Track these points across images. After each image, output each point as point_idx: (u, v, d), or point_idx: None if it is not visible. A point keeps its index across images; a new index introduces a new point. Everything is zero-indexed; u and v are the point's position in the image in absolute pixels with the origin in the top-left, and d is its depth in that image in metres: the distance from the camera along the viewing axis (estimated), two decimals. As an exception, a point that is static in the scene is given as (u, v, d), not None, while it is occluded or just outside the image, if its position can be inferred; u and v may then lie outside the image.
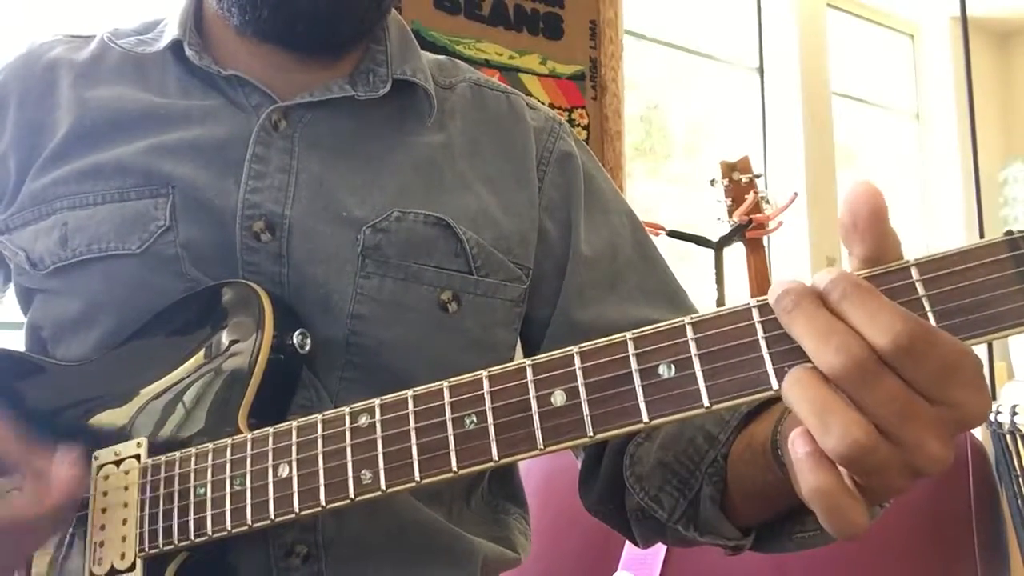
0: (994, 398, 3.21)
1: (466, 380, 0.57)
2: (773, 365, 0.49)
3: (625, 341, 0.52)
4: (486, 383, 0.56)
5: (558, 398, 0.54)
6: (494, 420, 0.55)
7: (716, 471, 0.72)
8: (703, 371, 0.50)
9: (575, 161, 0.89)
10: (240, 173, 0.77)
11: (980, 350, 0.47)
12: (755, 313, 0.50)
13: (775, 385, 0.49)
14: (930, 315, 0.46)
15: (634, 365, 0.52)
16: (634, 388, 0.52)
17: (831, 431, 0.45)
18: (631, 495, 0.78)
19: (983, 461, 0.96)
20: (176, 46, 0.83)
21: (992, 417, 2.18)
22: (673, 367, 0.51)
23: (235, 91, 0.81)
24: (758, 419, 0.69)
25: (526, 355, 0.85)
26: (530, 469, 1.19)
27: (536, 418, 0.54)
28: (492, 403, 0.55)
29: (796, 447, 0.47)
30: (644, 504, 0.76)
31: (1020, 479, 2.15)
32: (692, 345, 0.51)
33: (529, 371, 0.55)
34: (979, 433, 2.96)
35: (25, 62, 0.86)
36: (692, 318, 0.51)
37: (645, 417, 0.51)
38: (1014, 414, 2.12)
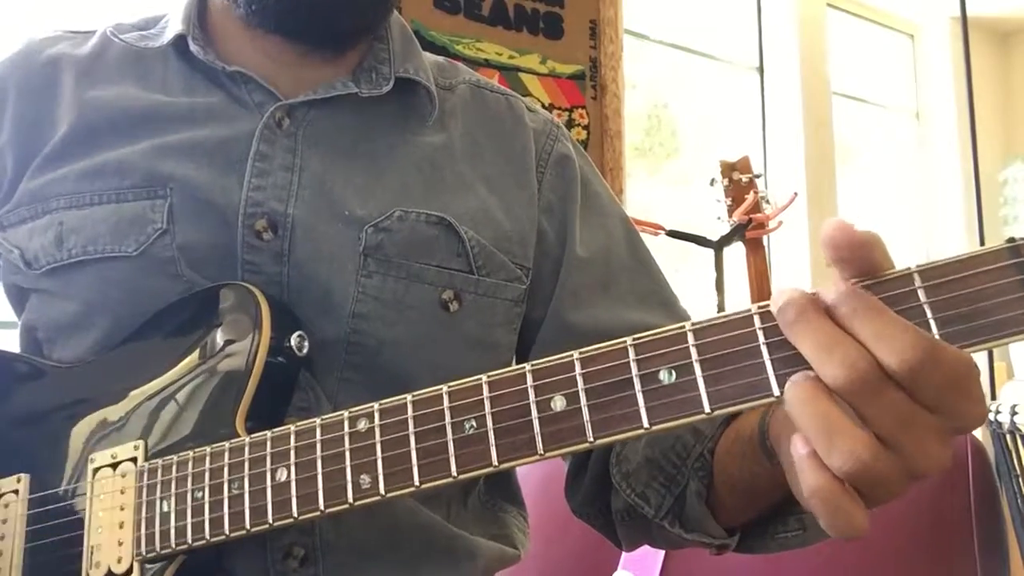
0: (994, 398, 3.21)
1: (466, 385, 0.57)
2: (775, 371, 0.49)
3: (626, 347, 0.52)
4: (486, 388, 0.56)
5: (558, 403, 0.53)
6: (494, 425, 0.55)
7: (703, 466, 0.72)
8: (704, 377, 0.50)
9: (572, 164, 0.89)
10: (243, 171, 0.77)
11: (980, 351, 0.47)
12: (756, 320, 0.49)
13: (776, 391, 0.48)
14: (931, 322, 0.46)
15: (635, 371, 0.52)
16: (635, 394, 0.51)
17: (836, 448, 0.46)
18: (617, 495, 0.78)
19: (983, 461, 0.96)
20: (179, 41, 0.82)
21: (992, 417, 2.18)
22: (674, 373, 0.51)
23: (238, 88, 0.81)
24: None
25: (518, 355, 0.85)
26: (530, 468, 1.19)
27: (536, 423, 0.54)
28: (492, 408, 0.55)
29: (797, 448, 0.47)
30: (631, 501, 0.76)
31: (1020, 479, 2.15)
32: (693, 351, 0.50)
33: (529, 376, 0.55)
34: (979, 433, 2.96)
35: (25, 57, 0.85)
36: (693, 324, 0.51)
37: (646, 423, 0.51)
38: (1014, 414, 2.12)
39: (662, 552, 1.11)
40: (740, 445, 0.67)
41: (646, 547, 0.83)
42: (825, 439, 0.46)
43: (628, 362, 0.52)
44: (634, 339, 0.52)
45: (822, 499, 0.47)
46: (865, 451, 0.45)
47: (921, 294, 0.47)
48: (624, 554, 1.12)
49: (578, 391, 0.53)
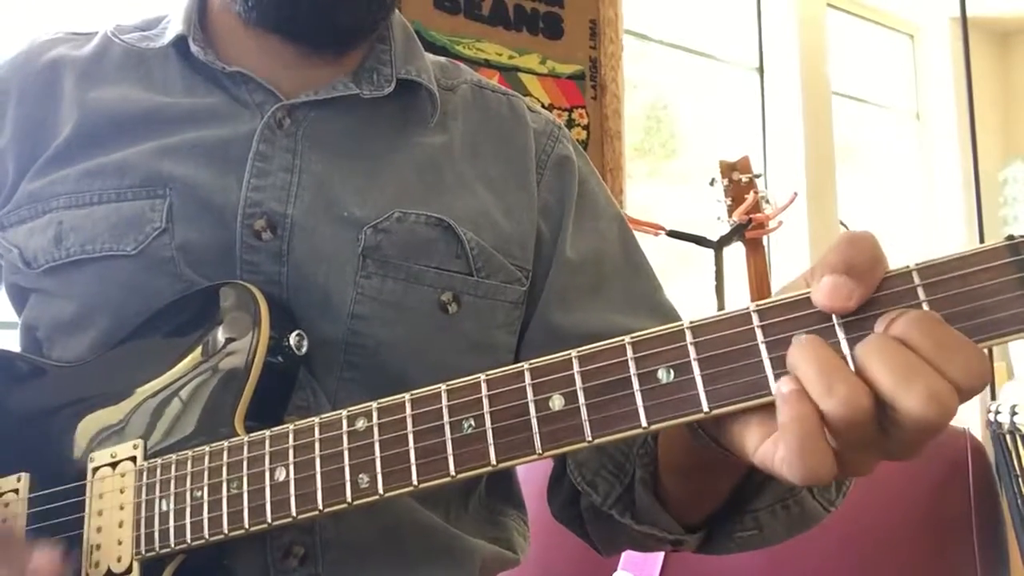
0: (993, 398, 3.21)
1: (464, 384, 0.57)
2: (772, 370, 0.49)
3: (624, 345, 0.52)
4: (484, 387, 0.56)
5: (556, 402, 0.53)
6: (492, 424, 0.55)
7: (647, 452, 0.73)
8: (702, 376, 0.50)
9: (572, 166, 0.89)
10: (242, 171, 0.77)
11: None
12: (754, 318, 0.49)
13: (774, 390, 0.48)
14: None
15: (633, 369, 0.52)
16: (633, 393, 0.51)
17: (835, 392, 0.46)
18: (582, 493, 0.78)
19: (983, 461, 0.96)
20: (180, 42, 0.82)
21: (992, 417, 2.18)
22: (672, 372, 0.51)
23: (239, 88, 0.81)
24: None
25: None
26: (530, 469, 1.19)
27: (534, 422, 0.54)
28: (490, 407, 0.55)
29: (781, 386, 0.47)
30: (581, 489, 0.77)
31: (1020, 479, 2.15)
32: (691, 350, 0.51)
33: (527, 375, 0.55)
34: (979, 433, 2.95)
35: (26, 59, 0.85)
36: (691, 322, 0.51)
37: (644, 422, 0.51)
38: (1014, 414, 2.12)
39: (662, 553, 1.10)
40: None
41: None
42: (824, 381, 0.46)
43: (626, 361, 0.52)
44: (632, 338, 0.52)
45: (796, 427, 0.46)
46: (866, 398, 0.45)
47: (920, 292, 0.47)
48: (624, 555, 1.12)
49: (576, 390, 0.53)
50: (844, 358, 0.47)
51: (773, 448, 0.49)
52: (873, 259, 0.47)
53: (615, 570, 1.13)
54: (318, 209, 0.77)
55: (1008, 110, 5.65)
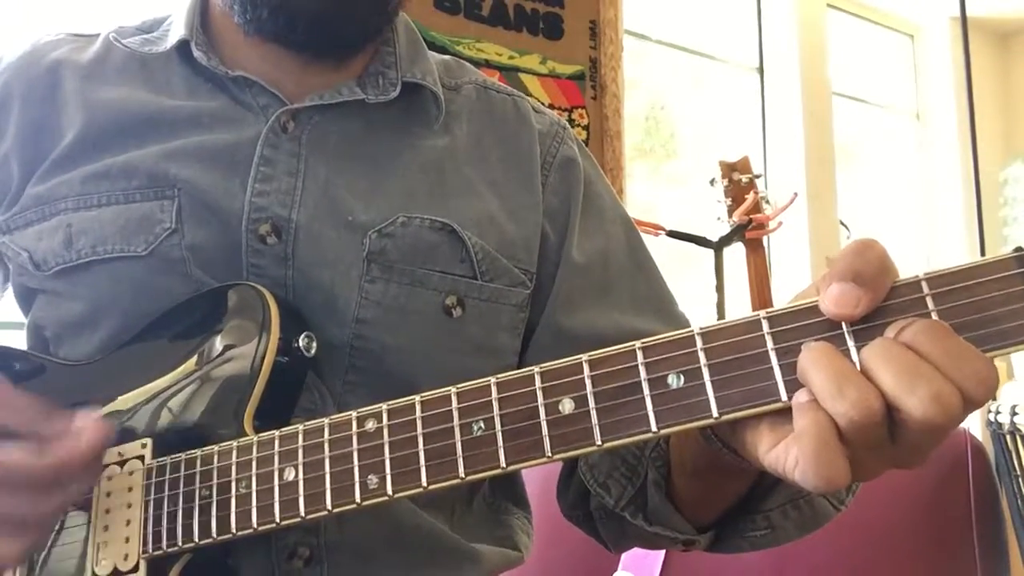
0: (994, 399, 3.21)
1: (474, 386, 0.57)
2: (783, 377, 0.49)
3: (634, 350, 0.53)
4: (494, 390, 0.56)
5: (566, 406, 0.54)
6: (502, 427, 0.55)
7: (659, 455, 0.73)
8: (712, 381, 0.50)
9: (577, 167, 0.89)
10: (247, 175, 0.77)
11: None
12: (764, 324, 0.50)
13: (784, 396, 0.49)
14: None
15: (643, 374, 0.52)
16: (643, 397, 0.52)
17: (846, 395, 0.46)
18: (594, 494, 0.79)
19: (983, 461, 0.97)
20: (183, 46, 0.82)
21: (992, 417, 2.19)
22: (682, 377, 0.51)
23: (243, 92, 0.81)
24: None
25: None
26: (533, 469, 1.19)
27: (544, 425, 0.54)
28: (500, 410, 0.55)
29: (798, 395, 0.48)
30: (593, 491, 0.77)
31: (1020, 479, 2.16)
32: (701, 355, 0.51)
33: (537, 378, 0.55)
34: (979, 433, 2.96)
35: (28, 61, 0.85)
36: (702, 328, 0.51)
37: (654, 427, 0.51)
38: (1014, 414, 2.13)
39: (662, 552, 1.11)
40: None
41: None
42: (835, 385, 0.46)
43: (637, 366, 0.52)
44: (643, 343, 0.53)
45: (813, 435, 0.47)
46: (876, 401, 0.46)
47: (929, 301, 0.47)
48: (624, 554, 1.13)
49: (587, 394, 0.53)
50: (854, 364, 0.48)
51: (784, 454, 0.49)
52: (880, 267, 0.48)
53: (616, 568, 1.13)
54: (322, 213, 0.77)
55: (1008, 110, 5.65)
